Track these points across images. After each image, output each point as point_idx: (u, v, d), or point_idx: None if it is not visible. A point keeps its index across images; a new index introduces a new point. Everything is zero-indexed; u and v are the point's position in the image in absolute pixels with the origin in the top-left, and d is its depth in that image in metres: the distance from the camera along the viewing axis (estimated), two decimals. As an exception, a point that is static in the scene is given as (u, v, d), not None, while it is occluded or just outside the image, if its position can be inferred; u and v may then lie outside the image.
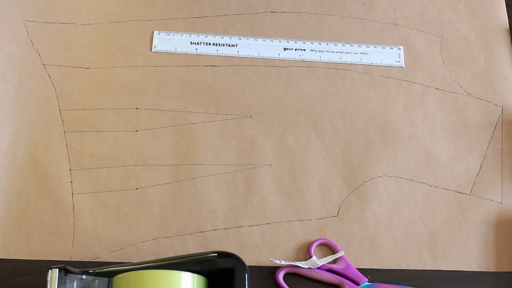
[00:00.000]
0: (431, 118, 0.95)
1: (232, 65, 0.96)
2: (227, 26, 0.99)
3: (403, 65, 0.98)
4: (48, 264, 0.69)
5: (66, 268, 0.70)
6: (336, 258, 0.84)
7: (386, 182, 0.90)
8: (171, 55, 0.97)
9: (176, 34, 0.97)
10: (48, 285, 0.68)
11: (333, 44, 0.99)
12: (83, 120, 0.91)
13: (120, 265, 0.74)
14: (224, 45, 0.97)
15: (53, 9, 0.99)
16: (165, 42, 0.97)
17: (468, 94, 0.96)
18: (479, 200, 0.90)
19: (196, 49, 0.97)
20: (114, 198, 0.87)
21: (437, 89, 0.97)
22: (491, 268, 0.86)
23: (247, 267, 0.72)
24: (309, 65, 0.97)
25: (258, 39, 0.99)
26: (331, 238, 0.86)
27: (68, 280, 0.69)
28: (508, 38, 1.02)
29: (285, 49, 0.98)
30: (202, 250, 0.83)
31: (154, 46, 0.97)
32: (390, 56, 0.99)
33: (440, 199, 0.89)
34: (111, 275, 0.72)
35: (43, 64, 0.95)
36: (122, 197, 0.87)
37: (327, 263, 0.83)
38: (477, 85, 0.97)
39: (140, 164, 0.89)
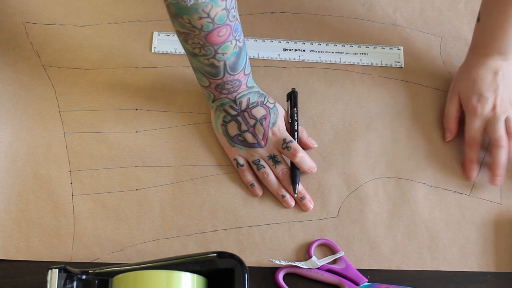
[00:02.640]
0: (431, 118, 0.95)
1: (232, 66, 0.96)
2: (227, 27, 0.99)
3: (403, 66, 0.98)
4: (48, 265, 0.69)
5: (66, 269, 0.70)
6: (336, 259, 0.84)
7: (386, 182, 0.90)
8: (171, 56, 0.97)
9: (175, 35, 0.97)
10: (48, 285, 0.68)
11: (333, 44, 0.99)
12: (83, 121, 0.91)
13: (120, 265, 0.74)
14: (223, 46, 0.97)
15: (53, 11, 0.99)
16: (165, 43, 0.97)
17: (468, 95, 0.96)
18: (479, 201, 0.90)
19: (196, 50, 0.97)
20: (114, 199, 0.87)
21: (437, 89, 0.96)
22: (491, 268, 0.86)
23: (246, 267, 0.72)
24: (309, 66, 0.97)
25: (257, 40, 0.99)
26: (331, 238, 0.86)
27: (68, 281, 0.69)
28: (508, 38, 1.02)
29: (284, 49, 0.98)
30: (202, 251, 0.83)
31: (154, 47, 0.97)
32: (390, 56, 0.99)
33: (440, 200, 0.89)
34: (111, 275, 0.72)
35: (43, 66, 0.95)
36: (122, 198, 0.87)
37: (327, 263, 0.83)
38: (477, 86, 0.97)
39: (140, 165, 0.89)
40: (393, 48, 0.99)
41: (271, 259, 0.83)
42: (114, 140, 0.91)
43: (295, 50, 0.98)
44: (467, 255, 0.86)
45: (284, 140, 0.87)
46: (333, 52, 0.99)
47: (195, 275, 0.71)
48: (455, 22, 1.02)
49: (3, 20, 0.98)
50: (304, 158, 0.87)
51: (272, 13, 1.01)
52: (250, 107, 0.87)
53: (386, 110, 0.95)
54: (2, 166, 0.88)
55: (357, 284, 0.82)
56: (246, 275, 0.72)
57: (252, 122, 0.87)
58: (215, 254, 0.73)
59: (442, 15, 1.03)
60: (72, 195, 0.87)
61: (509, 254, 0.86)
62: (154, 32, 0.98)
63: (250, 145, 0.87)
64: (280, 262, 0.82)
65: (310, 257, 0.84)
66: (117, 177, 0.88)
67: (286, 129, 0.89)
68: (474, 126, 0.89)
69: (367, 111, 0.95)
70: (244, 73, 0.85)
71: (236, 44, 0.79)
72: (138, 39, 0.98)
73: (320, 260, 0.83)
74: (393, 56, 0.99)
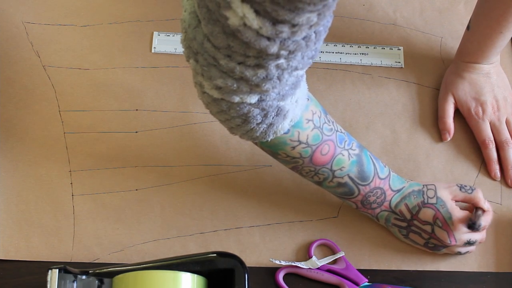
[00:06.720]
0: (431, 118, 0.95)
1: (232, 66, 0.96)
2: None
3: (403, 66, 0.98)
4: (48, 265, 0.69)
5: (66, 269, 0.70)
6: (336, 259, 0.84)
7: (386, 182, 0.90)
8: (170, 56, 0.97)
9: (175, 35, 0.97)
10: (48, 285, 0.68)
11: (333, 44, 0.99)
12: (83, 121, 0.91)
13: (120, 265, 0.74)
14: (223, 46, 0.97)
15: (53, 11, 0.99)
16: (165, 43, 0.97)
17: (468, 95, 0.96)
18: (479, 201, 0.90)
19: (196, 50, 0.97)
20: (114, 200, 0.87)
21: (437, 89, 0.96)
22: (491, 268, 0.86)
23: (247, 267, 0.72)
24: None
25: (257, 40, 0.99)
26: (331, 238, 0.86)
27: (68, 281, 0.69)
28: (508, 38, 1.02)
29: (284, 50, 0.98)
30: (202, 251, 0.83)
31: (154, 47, 0.97)
32: (390, 56, 0.99)
33: (440, 200, 0.89)
34: (111, 275, 0.72)
35: (43, 66, 0.95)
36: (122, 198, 0.87)
37: (327, 263, 0.83)
38: (477, 86, 0.97)
39: (140, 165, 0.89)
40: (393, 48, 0.99)
41: (271, 259, 0.83)
42: (114, 140, 0.91)
43: (295, 50, 0.98)
44: (467, 255, 0.86)
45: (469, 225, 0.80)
46: (333, 52, 0.99)
47: (195, 275, 0.71)
48: (455, 22, 1.02)
49: (3, 20, 0.98)
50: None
51: (272, 13, 1.01)
52: (414, 213, 0.81)
53: (386, 110, 0.95)
54: (2, 166, 0.88)
55: (357, 284, 0.82)
56: (246, 275, 0.72)
57: (428, 228, 0.81)
58: (215, 254, 0.73)
59: (442, 15, 1.03)
60: (72, 195, 0.87)
61: (509, 254, 0.86)
62: (154, 32, 0.98)
63: (445, 246, 0.83)
64: (280, 262, 0.82)
65: (310, 257, 0.84)
66: (117, 177, 0.88)
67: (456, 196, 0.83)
68: (482, 128, 0.91)
69: (367, 111, 0.95)
70: (380, 178, 0.79)
71: (349, 154, 0.76)
72: (138, 39, 0.98)
73: (320, 260, 0.83)
74: (393, 56, 0.99)
